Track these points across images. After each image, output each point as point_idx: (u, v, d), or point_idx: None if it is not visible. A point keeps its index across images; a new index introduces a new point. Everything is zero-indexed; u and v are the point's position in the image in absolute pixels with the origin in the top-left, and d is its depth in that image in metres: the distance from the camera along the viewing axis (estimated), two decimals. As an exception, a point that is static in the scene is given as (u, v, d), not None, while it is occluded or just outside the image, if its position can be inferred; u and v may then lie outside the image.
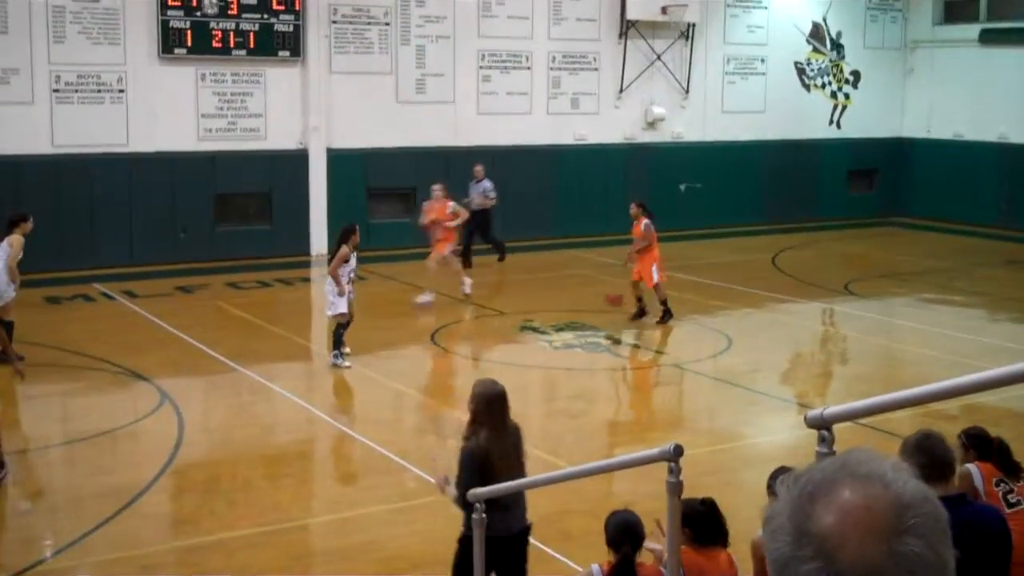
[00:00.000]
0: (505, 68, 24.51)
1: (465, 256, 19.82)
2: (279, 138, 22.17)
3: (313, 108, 22.25)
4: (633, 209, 16.53)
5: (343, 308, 13.41)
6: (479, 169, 21.04)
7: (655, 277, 15.93)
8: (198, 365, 13.76)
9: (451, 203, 18.00)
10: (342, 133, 22.50)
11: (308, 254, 21.59)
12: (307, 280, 20.29)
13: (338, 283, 13.35)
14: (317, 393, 13.46)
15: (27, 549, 8.29)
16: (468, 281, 17.45)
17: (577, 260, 22.11)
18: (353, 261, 13.65)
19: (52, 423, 11.75)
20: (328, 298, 13.63)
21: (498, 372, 13.73)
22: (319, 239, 21.75)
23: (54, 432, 11.26)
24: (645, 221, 16.25)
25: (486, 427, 6.49)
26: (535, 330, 15.74)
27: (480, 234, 20.74)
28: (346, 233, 13.87)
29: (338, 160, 22.16)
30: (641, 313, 16.00)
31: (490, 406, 6.53)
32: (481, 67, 24.24)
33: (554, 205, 24.79)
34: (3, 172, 19.51)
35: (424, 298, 16.86)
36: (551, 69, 24.97)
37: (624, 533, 5.49)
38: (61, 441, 10.91)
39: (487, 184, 20.85)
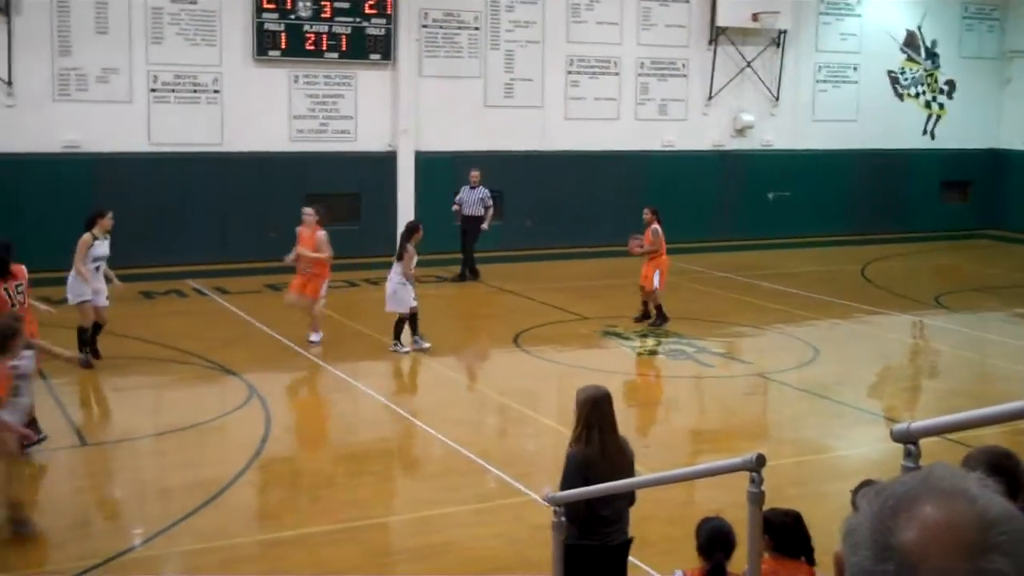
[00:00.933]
0: (593, 73, 24.49)
1: (471, 267, 19.98)
2: (369, 140, 22.43)
3: (402, 111, 22.46)
4: (646, 215, 16.61)
5: (407, 306, 14.31)
6: (476, 174, 20.46)
7: (656, 282, 16.09)
8: (285, 361, 13.99)
9: (321, 232, 15.11)
10: (431, 136, 22.68)
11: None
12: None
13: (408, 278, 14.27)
14: (400, 392, 13.61)
15: (117, 537, 8.49)
16: (318, 336, 14.79)
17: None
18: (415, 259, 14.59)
19: (143, 415, 12.03)
20: (397, 295, 14.31)
21: (580, 377, 13.75)
22: (416, 229, 21.99)
23: (145, 424, 11.52)
24: (654, 227, 16.32)
25: (591, 431, 6.39)
26: (618, 336, 15.72)
27: (468, 242, 20.22)
28: (411, 231, 14.75)
29: (426, 162, 22.34)
30: (645, 316, 16.25)
31: (595, 408, 6.41)
32: (569, 72, 24.26)
33: (640, 212, 24.65)
34: (103, 169, 20.02)
35: (314, 336, 14.85)
36: (639, 75, 24.90)
37: (716, 540, 5.46)
38: (152, 433, 11.16)
39: (484, 191, 20.34)
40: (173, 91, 20.88)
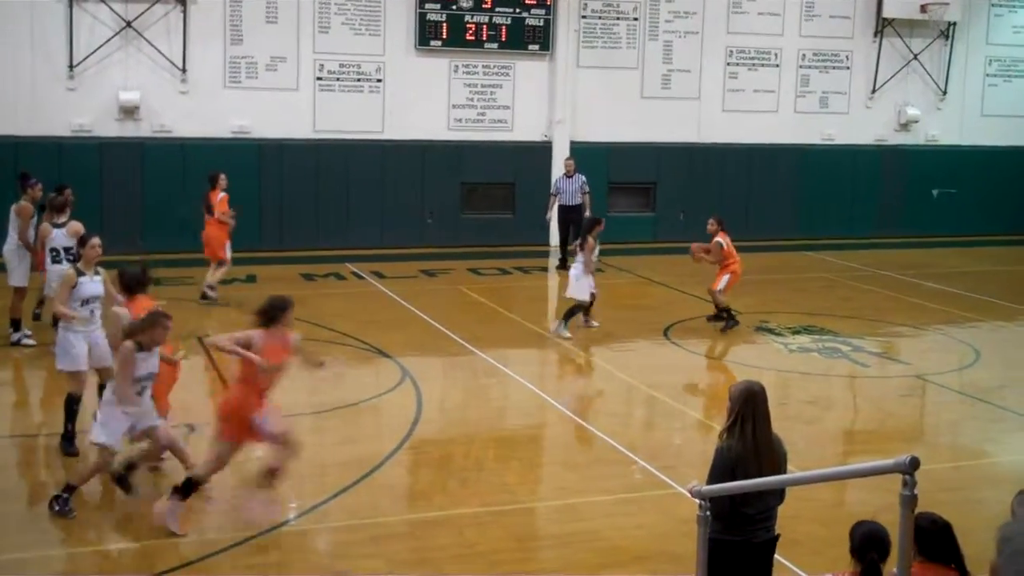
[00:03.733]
0: (753, 65, 24.16)
1: (563, 259, 19.54)
2: (525, 130, 22.61)
3: (559, 101, 22.57)
4: (711, 226, 15.71)
5: (585, 294, 14.77)
6: (570, 162, 20.28)
7: (721, 284, 15.45)
8: (438, 346, 14.27)
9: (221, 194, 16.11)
10: (586, 126, 22.73)
11: (548, 244, 21.93)
12: (544, 270, 20.62)
13: (590, 270, 14.72)
14: (549, 380, 13.72)
15: (274, 511, 8.79)
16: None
17: (819, 263, 21.58)
18: (597, 250, 14.98)
19: (301, 394, 12.40)
20: (580, 283, 14.70)
21: (730, 372, 13.65)
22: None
23: (304, 402, 11.88)
24: (717, 239, 15.50)
25: (743, 426, 6.32)
26: (771, 332, 15.52)
27: (574, 229, 19.19)
28: (593, 224, 15.06)
29: (581, 153, 22.37)
30: (719, 318, 15.55)
31: (748, 402, 6.34)
32: (728, 64, 23.98)
33: (798, 206, 24.28)
34: (268, 154, 20.72)
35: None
36: (800, 67, 24.45)
37: (871, 543, 5.38)
38: (309, 411, 11.51)
39: (582, 178, 20.03)
40: (338, 79, 21.45)
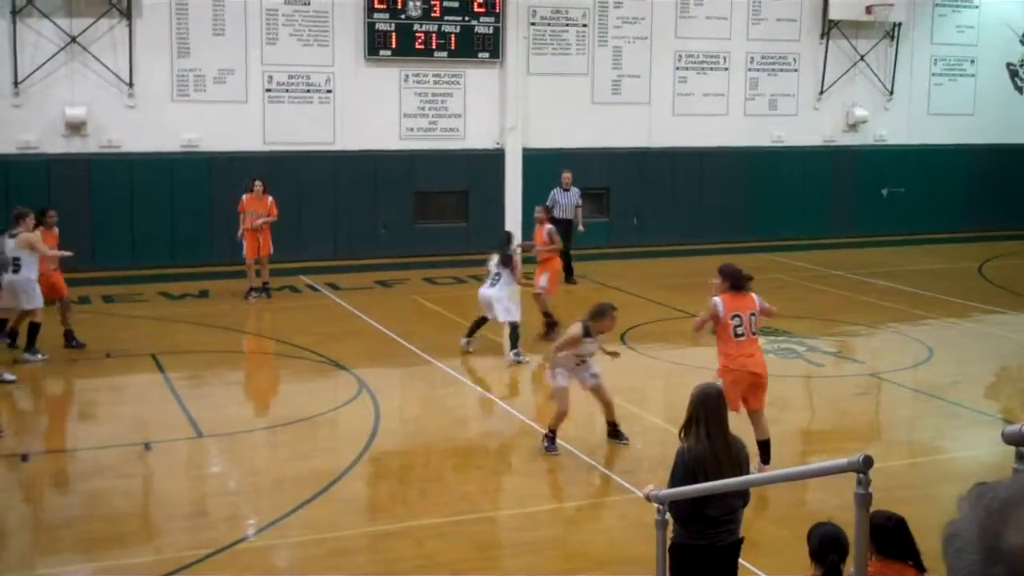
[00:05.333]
0: (702, 69, 24.30)
1: (569, 270, 19.18)
2: (477, 138, 22.60)
3: (510, 108, 22.57)
4: (540, 213, 15.88)
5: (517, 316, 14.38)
6: (568, 176, 19.71)
7: (542, 284, 15.33)
8: (394, 357, 14.20)
9: (549, 226, 15.95)
10: (538, 133, 22.75)
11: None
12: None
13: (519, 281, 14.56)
14: (507, 389, 13.68)
15: (232, 527, 8.71)
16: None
17: (771, 264, 21.72)
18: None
19: (256, 408, 12.32)
20: (505, 304, 14.16)
21: (687, 375, 13.67)
22: (514, 238, 22.06)
23: (258, 417, 11.80)
24: (549, 227, 15.57)
25: (702, 429, 6.35)
26: (726, 334, 15.57)
27: (565, 244, 18.87)
28: (509, 237, 15.07)
29: (534, 160, 22.42)
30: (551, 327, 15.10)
31: (705, 405, 6.36)
32: (678, 68, 24.11)
33: (749, 208, 24.44)
34: (219, 168, 20.53)
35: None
36: (749, 70, 24.63)
37: (829, 544, 5.40)
38: (264, 425, 11.42)
39: (576, 192, 19.65)
40: (287, 91, 21.32)
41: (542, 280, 15.36)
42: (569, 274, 19.53)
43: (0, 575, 7.92)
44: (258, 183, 17.80)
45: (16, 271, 13.23)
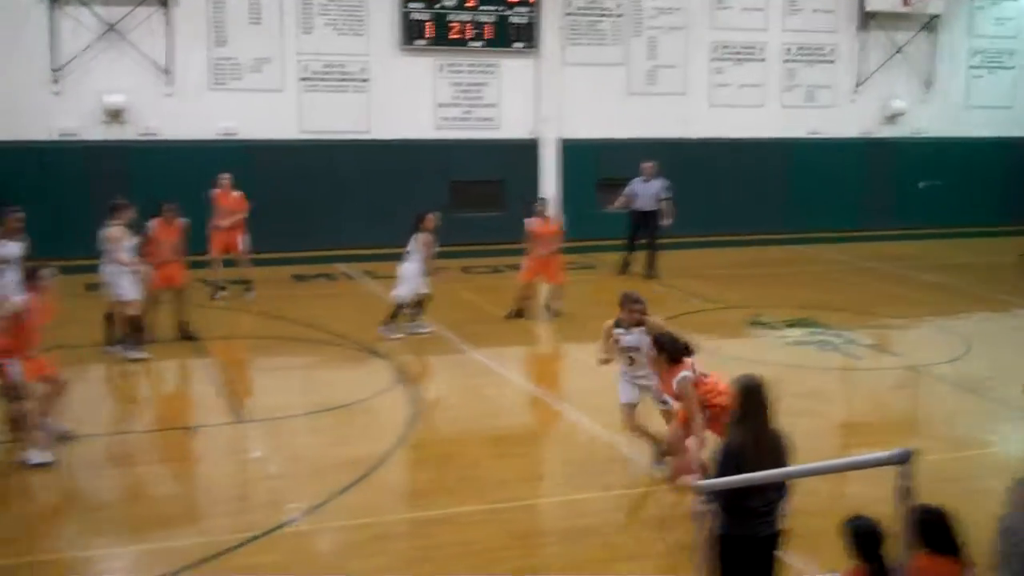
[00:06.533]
0: (738, 60, 24.20)
1: (652, 266, 19.12)
2: (512, 128, 22.60)
3: (546, 99, 22.55)
4: (544, 205, 16.15)
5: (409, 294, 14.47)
6: (649, 166, 19.42)
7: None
8: (431, 345, 14.25)
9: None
10: (573, 123, 22.72)
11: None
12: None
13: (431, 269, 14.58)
14: (544, 377, 13.70)
15: (273, 511, 8.76)
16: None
17: (807, 256, 21.65)
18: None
19: (296, 394, 12.38)
20: (406, 280, 14.35)
21: (726, 367, 13.63)
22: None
23: (298, 403, 11.86)
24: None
25: (745, 421, 6.32)
26: (764, 325, 15.54)
27: (647, 237, 19.27)
28: (420, 217, 14.69)
29: (569, 150, 22.40)
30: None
31: (748, 397, 6.35)
32: (714, 59, 24.01)
33: (785, 200, 24.33)
34: (256, 156, 20.63)
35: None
36: (786, 61, 24.51)
37: (864, 539, 5.39)
38: (304, 411, 11.48)
39: (660, 184, 19.32)
40: (323, 80, 21.38)
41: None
42: (626, 266, 19.34)
43: (49, 555, 8.02)
44: (225, 177, 17.30)
45: (106, 264, 13.15)
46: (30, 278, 10.12)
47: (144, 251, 13.74)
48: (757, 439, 6.27)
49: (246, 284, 17.18)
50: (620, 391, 9.74)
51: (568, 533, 8.54)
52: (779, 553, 6.50)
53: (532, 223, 15.83)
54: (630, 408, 9.70)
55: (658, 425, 9.81)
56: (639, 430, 9.72)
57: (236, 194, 17.20)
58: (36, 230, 13.34)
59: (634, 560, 7.98)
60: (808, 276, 19.65)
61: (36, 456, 9.49)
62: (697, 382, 8.75)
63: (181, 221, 14.34)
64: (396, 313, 14.47)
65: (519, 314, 15.72)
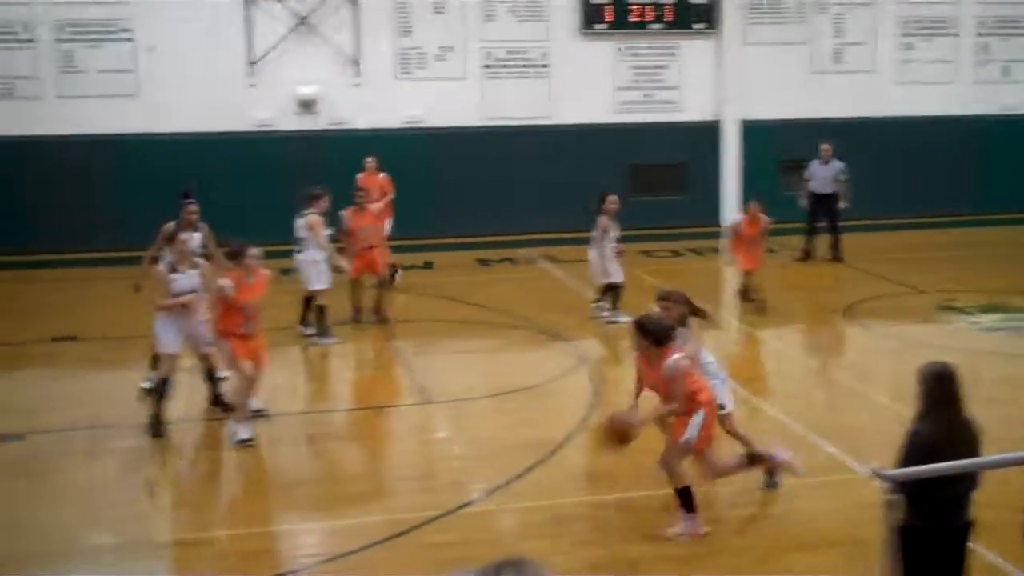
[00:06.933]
0: (929, 34, 23.33)
1: (835, 250, 18.61)
2: (693, 110, 22.41)
3: (727, 80, 22.27)
4: (757, 205, 15.42)
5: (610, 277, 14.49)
6: (827, 147, 18.92)
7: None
8: (613, 329, 14.30)
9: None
10: (756, 104, 22.37)
11: (718, 225, 21.71)
12: (716, 251, 20.40)
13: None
14: (725, 361, 13.54)
15: (457, 491, 8.99)
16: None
17: (1000, 238, 20.76)
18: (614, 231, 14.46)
19: (480, 377, 12.65)
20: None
21: (915, 353, 13.25)
22: (731, 210, 21.80)
23: (482, 385, 12.11)
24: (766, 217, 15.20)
25: (937, 410, 6.17)
26: (956, 310, 15.02)
27: (828, 220, 18.79)
28: (601, 201, 14.65)
29: (751, 131, 22.06)
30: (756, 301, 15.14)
31: (941, 385, 6.18)
32: (904, 34, 23.22)
33: (978, 179, 23.37)
34: (440, 143, 21.07)
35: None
36: (979, 35, 23.49)
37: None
38: (488, 394, 11.72)
39: (838, 165, 18.84)
40: (504, 66, 21.65)
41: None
42: (809, 253, 18.98)
43: (245, 528, 8.45)
44: (371, 159, 17.37)
45: (300, 252, 13.65)
46: (236, 256, 10.38)
47: (341, 240, 14.25)
48: (950, 428, 6.11)
49: (393, 268, 17.45)
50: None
51: (746, 521, 8.50)
52: (970, 545, 6.33)
53: (740, 222, 15.50)
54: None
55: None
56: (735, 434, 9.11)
57: (382, 176, 17.46)
58: (233, 216, 14.00)
59: (822, 549, 7.87)
60: (1001, 259, 18.84)
61: (241, 432, 9.99)
62: (687, 373, 7.95)
63: (376, 208, 14.76)
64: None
65: (747, 298, 15.43)
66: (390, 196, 17.47)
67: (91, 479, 9.39)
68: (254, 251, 10.32)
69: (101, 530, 8.32)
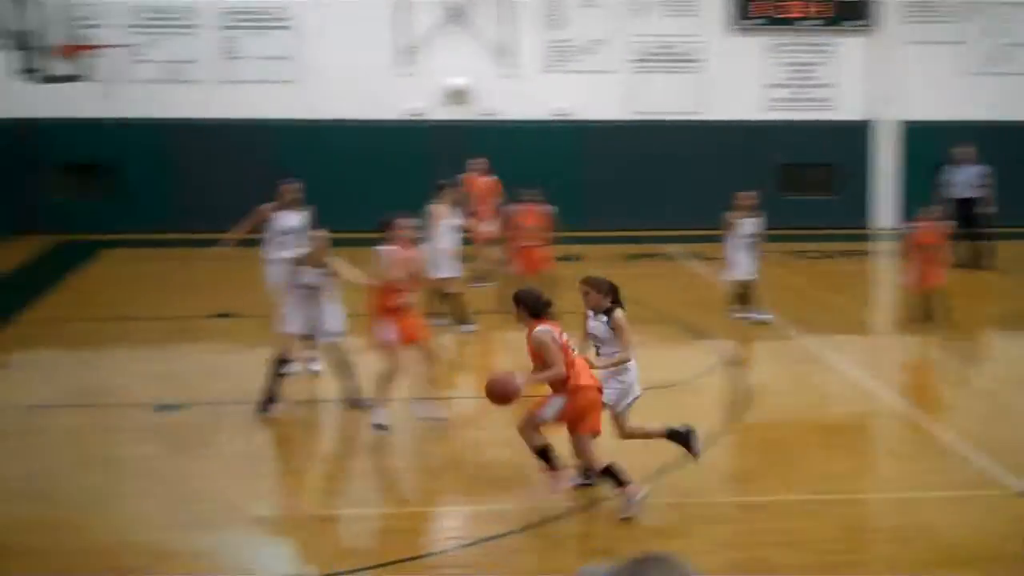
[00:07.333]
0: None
1: (977, 256, 17.75)
2: (846, 109, 21.94)
3: (883, 79, 21.72)
4: (937, 210, 14.58)
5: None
6: (961, 151, 18.11)
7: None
8: (756, 329, 14.14)
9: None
10: (913, 104, 21.77)
11: (868, 228, 21.23)
12: (865, 254, 19.99)
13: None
14: (876, 367, 13.29)
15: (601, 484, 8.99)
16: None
17: None
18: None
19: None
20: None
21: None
22: (884, 213, 21.31)
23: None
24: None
25: None
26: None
27: (965, 225, 17.77)
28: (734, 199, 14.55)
29: (910, 132, 21.49)
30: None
31: None
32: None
33: None
34: (587, 136, 21.08)
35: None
36: None
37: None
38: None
39: (976, 170, 18.02)
40: (653, 61, 21.53)
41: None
42: (979, 259, 18.26)
43: (389, 509, 8.62)
44: (480, 161, 17.01)
45: (426, 240, 13.52)
46: (387, 228, 10.19)
47: (506, 235, 14.36)
48: None
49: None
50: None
51: (897, 532, 8.29)
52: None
53: (917, 231, 14.52)
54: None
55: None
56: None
57: (489, 179, 16.96)
58: (377, 203, 14.23)
59: (970, 565, 7.65)
60: None
61: (379, 417, 10.15)
62: (563, 346, 8.17)
63: (546, 207, 14.66)
64: (734, 298, 14.33)
65: (929, 317, 14.29)
66: (496, 199, 16.79)
67: (247, 451, 9.70)
68: (406, 222, 10.25)
69: (259, 502, 8.58)
